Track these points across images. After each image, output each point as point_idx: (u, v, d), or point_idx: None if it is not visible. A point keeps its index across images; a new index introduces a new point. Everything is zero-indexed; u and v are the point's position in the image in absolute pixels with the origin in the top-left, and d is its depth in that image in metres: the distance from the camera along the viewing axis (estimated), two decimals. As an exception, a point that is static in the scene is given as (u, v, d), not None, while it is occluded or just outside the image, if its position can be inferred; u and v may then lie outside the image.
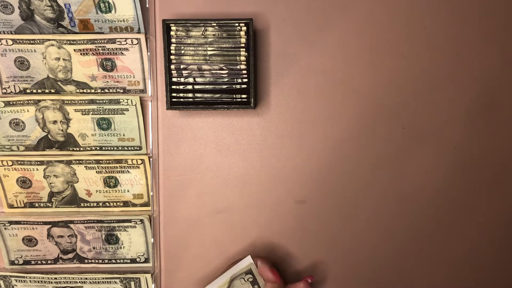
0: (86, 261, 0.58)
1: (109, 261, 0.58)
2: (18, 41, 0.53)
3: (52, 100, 0.54)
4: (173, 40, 0.52)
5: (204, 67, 0.52)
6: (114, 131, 0.55)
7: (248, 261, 0.53)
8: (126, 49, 0.53)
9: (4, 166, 0.55)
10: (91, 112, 0.55)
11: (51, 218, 0.56)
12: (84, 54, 0.54)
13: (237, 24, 0.51)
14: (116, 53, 0.54)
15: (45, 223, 0.56)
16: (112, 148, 0.56)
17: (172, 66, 0.52)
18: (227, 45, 0.52)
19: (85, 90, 0.55)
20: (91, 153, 0.56)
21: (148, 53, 0.54)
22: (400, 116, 0.56)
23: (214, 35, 0.52)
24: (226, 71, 0.52)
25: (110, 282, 0.56)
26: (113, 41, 0.53)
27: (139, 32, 0.54)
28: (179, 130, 0.57)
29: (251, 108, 0.52)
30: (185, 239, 0.58)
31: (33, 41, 0.53)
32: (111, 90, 0.55)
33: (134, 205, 0.57)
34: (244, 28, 0.51)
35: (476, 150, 0.57)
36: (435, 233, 0.58)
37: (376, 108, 0.56)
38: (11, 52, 0.53)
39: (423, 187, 0.57)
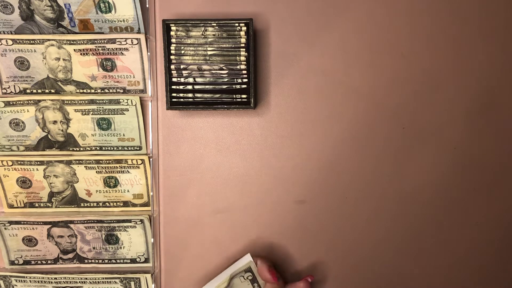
0: (86, 261, 0.58)
1: (109, 261, 0.58)
2: (18, 41, 0.53)
3: (52, 100, 0.54)
4: (173, 40, 0.52)
5: (204, 67, 0.52)
6: (114, 131, 0.55)
7: (247, 259, 0.53)
8: (126, 49, 0.53)
9: (4, 166, 0.55)
10: (91, 112, 0.55)
11: (51, 218, 0.56)
12: (84, 54, 0.54)
13: (237, 24, 0.51)
14: (116, 53, 0.54)
15: (45, 223, 0.56)
16: (112, 148, 0.56)
17: (172, 66, 0.52)
18: (227, 45, 0.52)
19: (85, 90, 0.55)
20: (91, 153, 0.56)
21: (148, 53, 0.54)
22: (400, 116, 0.56)
23: (214, 35, 0.52)
24: (226, 71, 0.52)
25: (110, 282, 0.56)
26: (113, 41, 0.53)
27: (139, 32, 0.54)
28: (179, 130, 0.57)
29: (251, 108, 0.52)
30: (185, 239, 0.58)
31: (33, 41, 0.53)
32: (111, 90, 0.55)
33: (134, 205, 0.57)
34: (244, 28, 0.51)
35: (476, 150, 0.57)
36: (435, 233, 0.58)
37: (376, 108, 0.56)
38: (11, 52, 0.53)
39: (423, 187, 0.57)
